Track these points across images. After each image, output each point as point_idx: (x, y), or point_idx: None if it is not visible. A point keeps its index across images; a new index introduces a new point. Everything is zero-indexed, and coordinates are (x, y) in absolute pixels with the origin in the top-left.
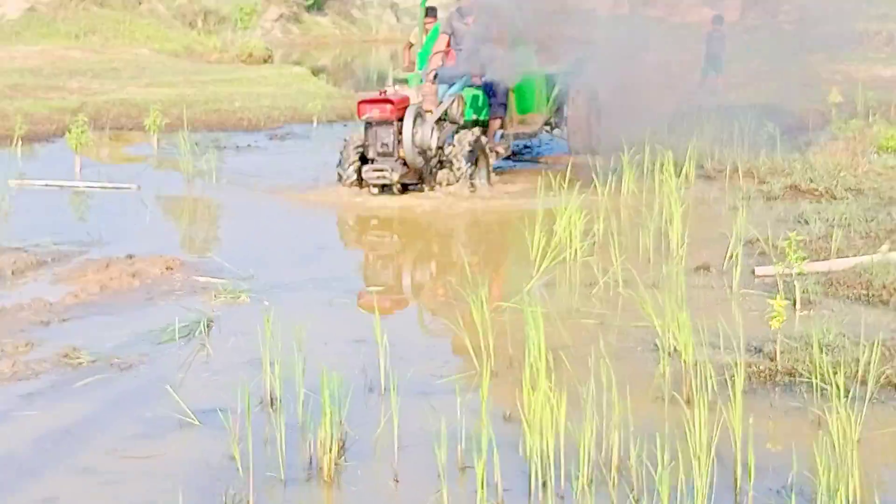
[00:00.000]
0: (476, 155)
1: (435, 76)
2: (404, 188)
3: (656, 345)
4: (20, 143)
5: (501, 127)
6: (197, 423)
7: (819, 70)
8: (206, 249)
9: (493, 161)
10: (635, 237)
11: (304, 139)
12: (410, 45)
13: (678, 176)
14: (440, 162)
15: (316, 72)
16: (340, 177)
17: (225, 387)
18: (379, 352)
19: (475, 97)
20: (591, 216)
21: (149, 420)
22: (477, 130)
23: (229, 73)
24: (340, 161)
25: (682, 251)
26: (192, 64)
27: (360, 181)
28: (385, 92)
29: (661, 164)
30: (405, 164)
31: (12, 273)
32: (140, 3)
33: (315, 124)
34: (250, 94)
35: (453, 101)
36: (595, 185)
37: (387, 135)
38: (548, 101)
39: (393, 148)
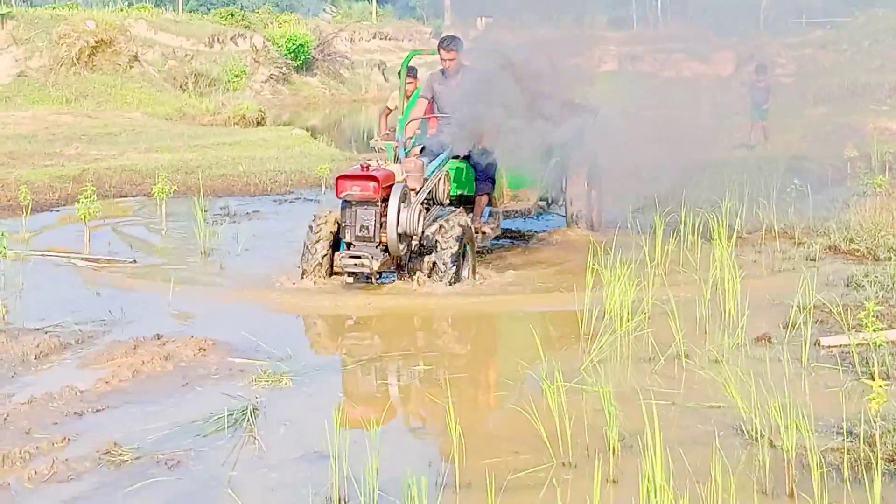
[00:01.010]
0: (464, 248)
1: (422, 149)
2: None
3: (740, 428)
4: (25, 213)
5: (490, 204)
6: None
7: (825, 124)
8: (235, 328)
9: (481, 242)
10: (688, 306)
11: (314, 204)
12: (389, 112)
13: (713, 239)
14: (421, 246)
15: (310, 132)
16: (304, 272)
17: (285, 486)
18: (451, 444)
19: (459, 170)
20: (640, 284)
21: None
22: (465, 218)
23: (227, 135)
24: (304, 252)
25: (743, 322)
26: (188, 127)
27: (331, 271)
28: (368, 167)
29: (693, 226)
30: (386, 250)
31: (36, 358)
32: (131, 67)
33: (324, 189)
34: (253, 157)
35: (439, 179)
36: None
37: (368, 216)
38: (543, 173)
39: (374, 232)
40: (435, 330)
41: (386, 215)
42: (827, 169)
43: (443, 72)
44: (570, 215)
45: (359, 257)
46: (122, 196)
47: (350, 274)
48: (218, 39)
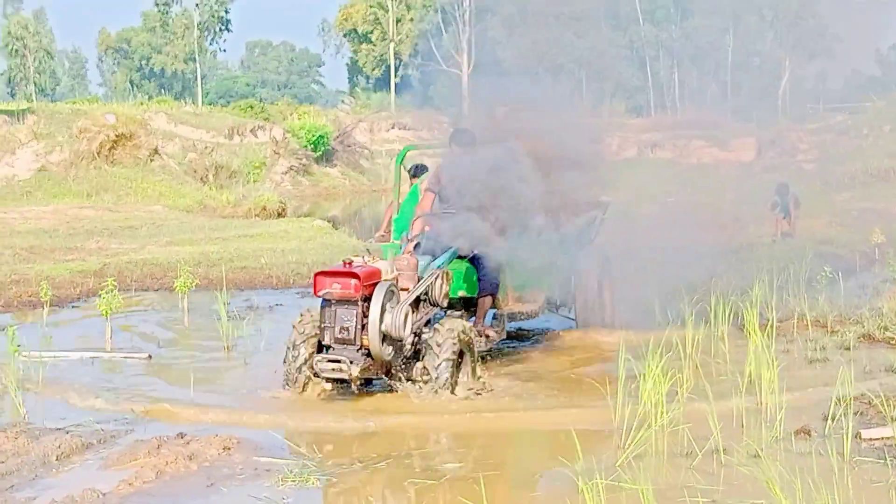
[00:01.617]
0: (461, 357)
1: (416, 245)
2: (366, 382)
3: None
4: (45, 309)
5: (494, 306)
6: None
7: (850, 209)
8: (261, 422)
9: (485, 346)
10: (724, 398)
11: None
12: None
13: (746, 328)
14: (416, 350)
15: (331, 223)
16: (287, 377)
17: None
18: None
19: (459, 271)
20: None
21: None
22: (462, 322)
23: (248, 227)
24: (287, 354)
25: (781, 415)
26: (209, 219)
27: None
28: (351, 263)
29: (724, 315)
30: (369, 354)
31: (57, 459)
32: (151, 160)
33: None
34: (274, 249)
35: (436, 278)
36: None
37: (348, 317)
38: (551, 273)
39: (355, 334)
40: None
41: (368, 316)
42: (855, 255)
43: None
44: (582, 321)
45: (338, 361)
46: (143, 290)
47: (328, 380)
48: (238, 132)
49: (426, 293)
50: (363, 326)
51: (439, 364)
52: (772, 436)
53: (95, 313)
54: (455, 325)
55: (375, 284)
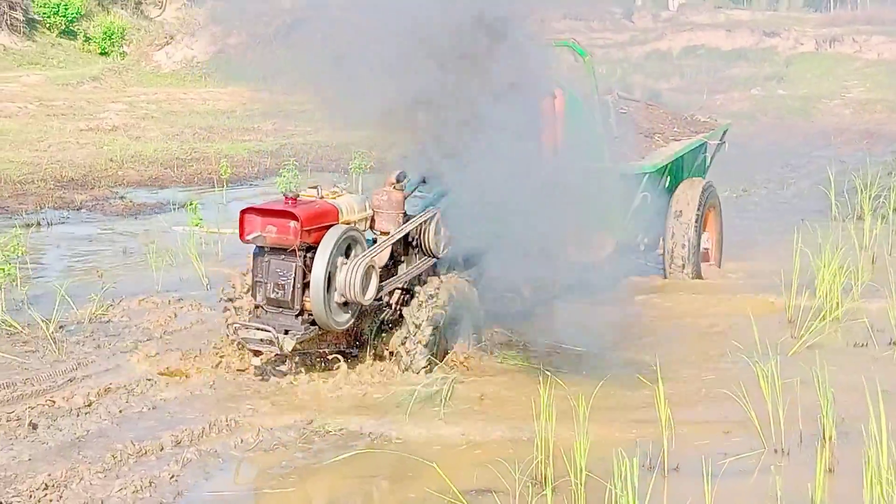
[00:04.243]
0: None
1: (404, 177)
2: (343, 355)
3: None
4: (225, 186)
5: None
6: None
7: None
8: None
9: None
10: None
11: None
12: None
13: None
14: (397, 311)
15: None
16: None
17: None
18: (661, 428)
19: None
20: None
21: None
22: (455, 281)
23: None
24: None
25: None
26: None
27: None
28: (295, 199)
29: None
30: (314, 323)
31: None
32: None
33: None
34: None
35: (431, 219)
36: None
37: (285, 271)
38: (634, 210)
39: (293, 295)
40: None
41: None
42: None
43: None
44: (672, 264)
45: (266, 331)
46: (318, 171)
47: (255, 352)
48: None
49: (416, 239)
50: (305, 286)
51: (414, 352)
52: None
53: (273, 191)
54: (442, 286)
55: (326, 228)
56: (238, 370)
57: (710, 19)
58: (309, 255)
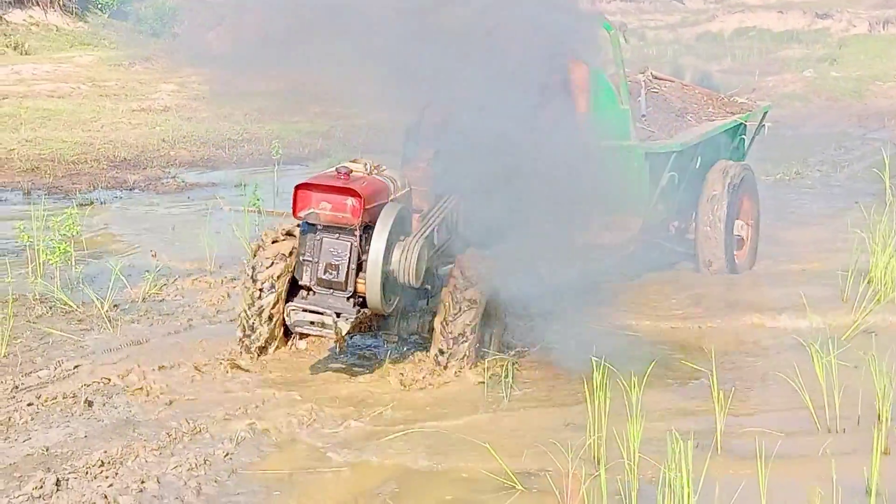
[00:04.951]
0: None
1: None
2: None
3: None
4: (276, 167)
5: None
6: None
7: None
8: None
9: None
10: None
11: None
12: None
13: None
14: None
15: None
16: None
17: None
18: (714, 410)
19: None
20: None
21: None
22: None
23: None
24: (242, 315)
25: None
26: None
27: (286, 334)
28: (349, 174)
29: None
30: (364, 304)
31: None
32: None
33: None
34: None
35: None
36: None
37: (340, 251)
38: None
39: (346, 276)
40: None
41: (368, 252)
42: None
43: None
44: (705, 258)
45: (320, 313)
46: (367, 152)
47: (303, 336)
48: None
49: (446, 220)
50: (360, 266)
51: (452, 327)
52: None
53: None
54: (483, 270)
55: (381, 206)
56: (291, 350)
57: (762, 1)
58: (365, 234)
